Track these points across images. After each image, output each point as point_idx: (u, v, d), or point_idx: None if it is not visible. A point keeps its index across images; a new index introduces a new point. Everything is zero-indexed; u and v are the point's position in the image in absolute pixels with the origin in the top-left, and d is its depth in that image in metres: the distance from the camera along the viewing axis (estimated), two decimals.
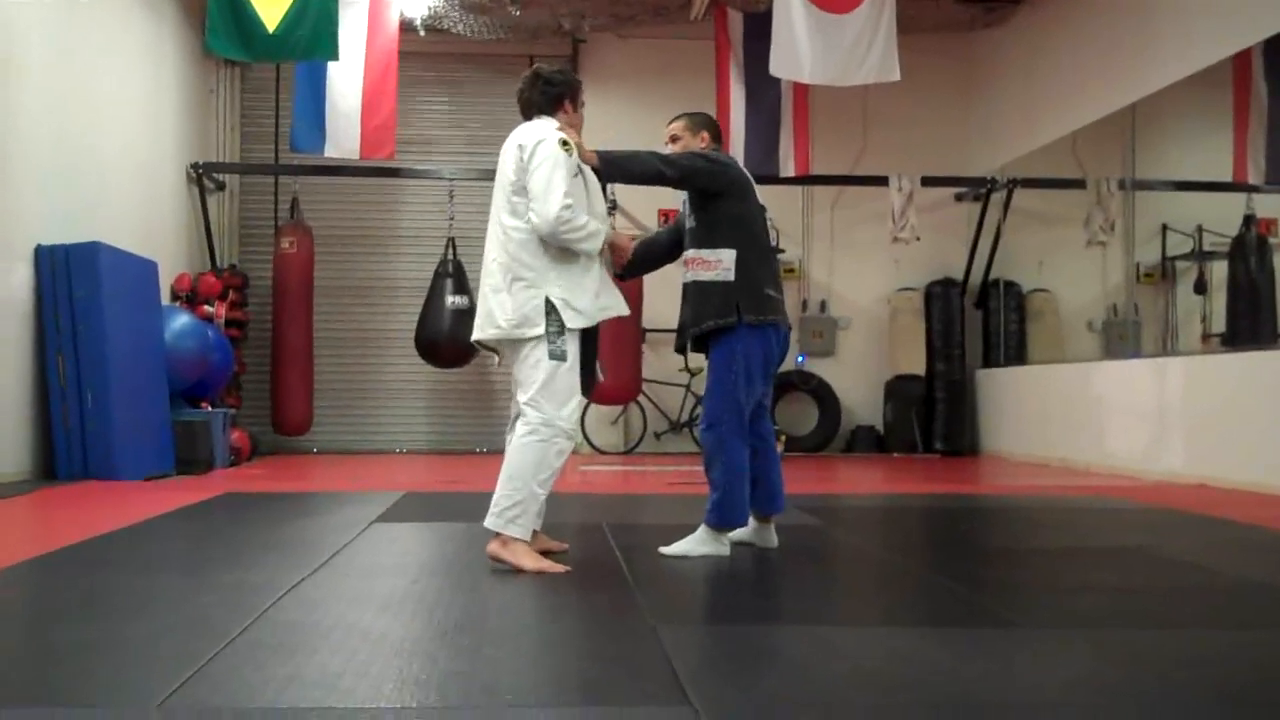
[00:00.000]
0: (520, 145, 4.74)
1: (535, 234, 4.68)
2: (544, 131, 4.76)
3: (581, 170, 4.81)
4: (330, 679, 2.98)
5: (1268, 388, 8.24)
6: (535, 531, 4.87)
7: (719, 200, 5.11)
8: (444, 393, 12.82)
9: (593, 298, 4.78)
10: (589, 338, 4.89)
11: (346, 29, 10.42)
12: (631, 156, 5.06)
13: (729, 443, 5.04)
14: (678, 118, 5.38)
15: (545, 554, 4.82)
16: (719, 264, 5.06)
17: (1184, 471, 8.98)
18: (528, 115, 4.95)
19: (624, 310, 4.94)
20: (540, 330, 4.66)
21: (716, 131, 5.38)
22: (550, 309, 4.67)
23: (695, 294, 5.14)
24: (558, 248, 4.70)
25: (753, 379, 5.09)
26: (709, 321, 5.08)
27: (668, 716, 2.73)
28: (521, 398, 4.74)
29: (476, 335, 4.87)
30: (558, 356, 4.68)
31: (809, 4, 9.86)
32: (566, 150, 4.70)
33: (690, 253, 5.16)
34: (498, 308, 4.74)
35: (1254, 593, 4.61)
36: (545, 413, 4.66)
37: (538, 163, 4.67)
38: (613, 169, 5.04)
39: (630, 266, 5.25)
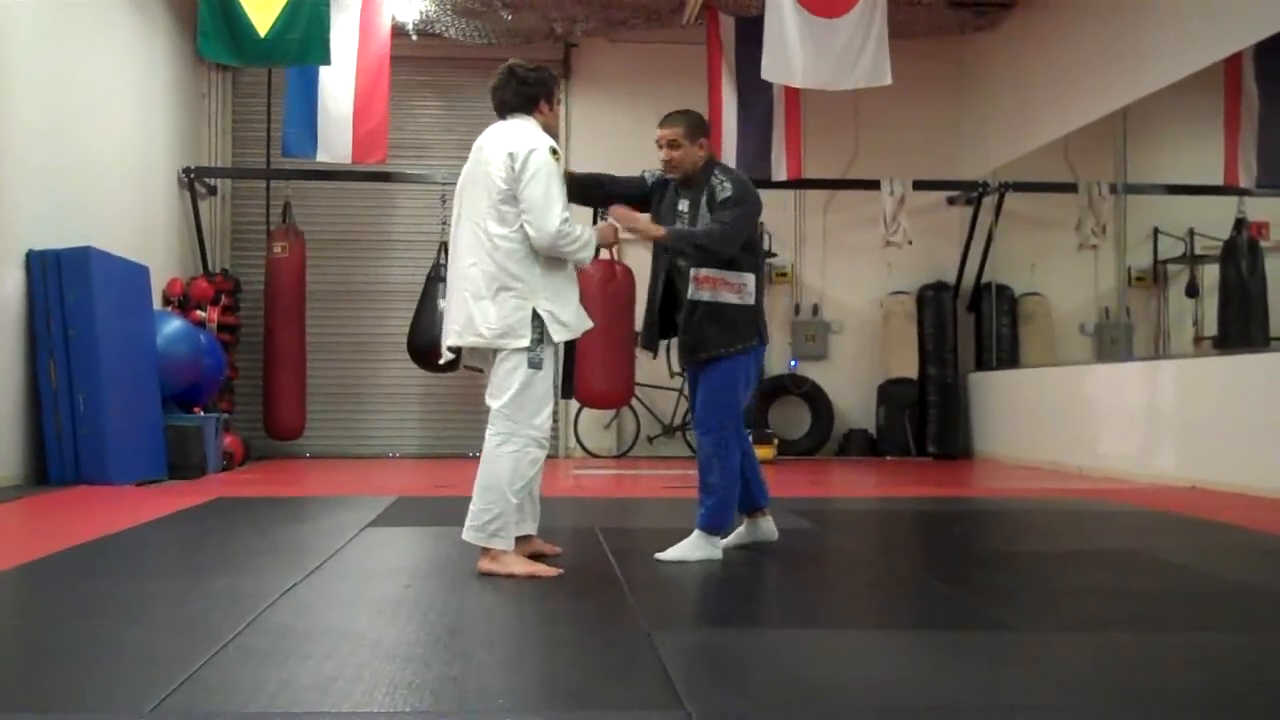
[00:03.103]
0: (511, 153, 4.65)
1: (524, 244, 4.63)
2: (533, 139, 4.70)
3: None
4: (323, 683, 2.97)
5: (1259, 390, 8.26)
6: (531, 536, 4.87)
7: None
8: (436, 397, 12.81)
9: (576, 311, 4.78)
10: (568, 347, 4.90)
11: (338, 33, 10.41)
12: (710, 236, 4.97)
13: (729, 448, 5.06)
14: (671, 121, 5.16)
15: (537, 557, 4.82)
16: (743, 288, 5.05)
17: (1176, 474, 9.00)
18: (502, 114, 4.88)
19: (591, 324, 4.91)
20: (524, 342, 4.63)
21: (708, 132, 5.25)
22: (536, 321, 4.65)
23: (707, 314, 5.04)
24: (545, 259, 4.67)
25: (749, 386, 5.16)
26: (736, 345, 5.02)
27: None
28: (494, 404, 4.71)
29: (453, 341, 4.78)
30: (535, 365, 4.66)
31: (801, 8, 9.87)
32: (557, 158, 4.69)
33: (712, 272, 5.02)
34: (479, 315, 4.66)
35: (1246, 595, 4.62)
36: (517, 421, 4.65)
37: (531, 173, 4.60)
38: (687, 245, 5.02)
39: (568, 185, 5.10)
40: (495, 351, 4.70)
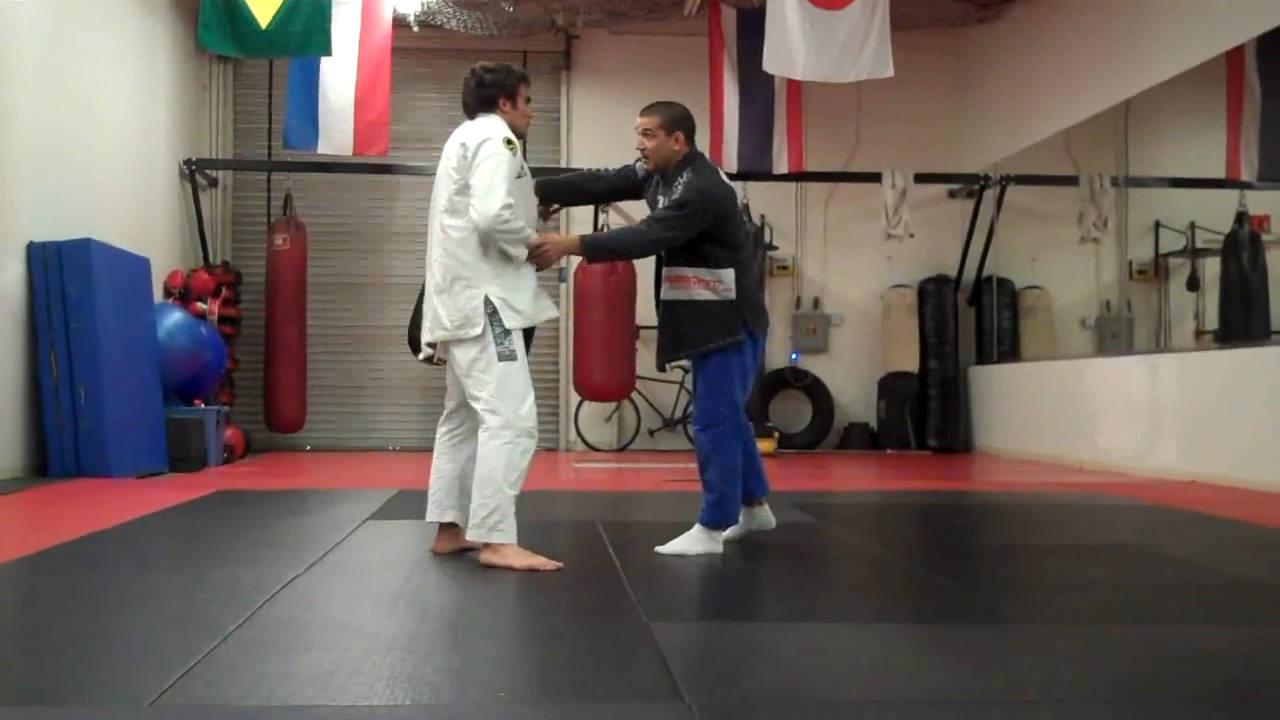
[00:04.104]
0: (464, 144, 4.72)
1: (475, 232, 4.67)
2: (489, 130, 4.74)
3: (524, 172, 4.81)
4: (323, 676, 2.97)
5: (1260, 384, 8.26)
6: (459, 528, 4.86)
7: (714, 224, 4.99)
8: (437, 390, 12.69)
9: (531, 299, 4.80)
10: (527, 340, 4.92)
11: (339, 24, 10.40)
12: (622, 238, 5.06)
13: (727, 442, 5.03)
14: (650, 110, 5.11)
15: (462, 551, 4.87)
16: (719, 284, 4.98)
17: (1176, 468, 9.00)
18: (469, 116, 4.91)
19: (555, 313, 5.03)
20: (479, 330, 4.66)
21: (692, 129, 5.11)
22: (490, 309, 4.67)
23: (692, 313, 5.00)
24: (498, 248, 4.70)
25: (746, 379, 5.12)
26: (717, 341, 4.97)
27: (661, 713, 2.73)
28: (477, 404, 4.72)
29: (427, 337, 4.87)
30: (507, 357, 4.68)
31: (803, 0, 9.85)
32: (511, 150, 4.70)
33: (686, 270, 4.98)
34: (441, 309, 4.74)
35: (1246, 589, 4.62)
36: (503, 415, 4.66)
37: (481, 160, 4.65)
38: (600, 252, 5.16)
39: (552, 190, 5.24)
40: (460, 344, 4.72)
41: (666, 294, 5.06)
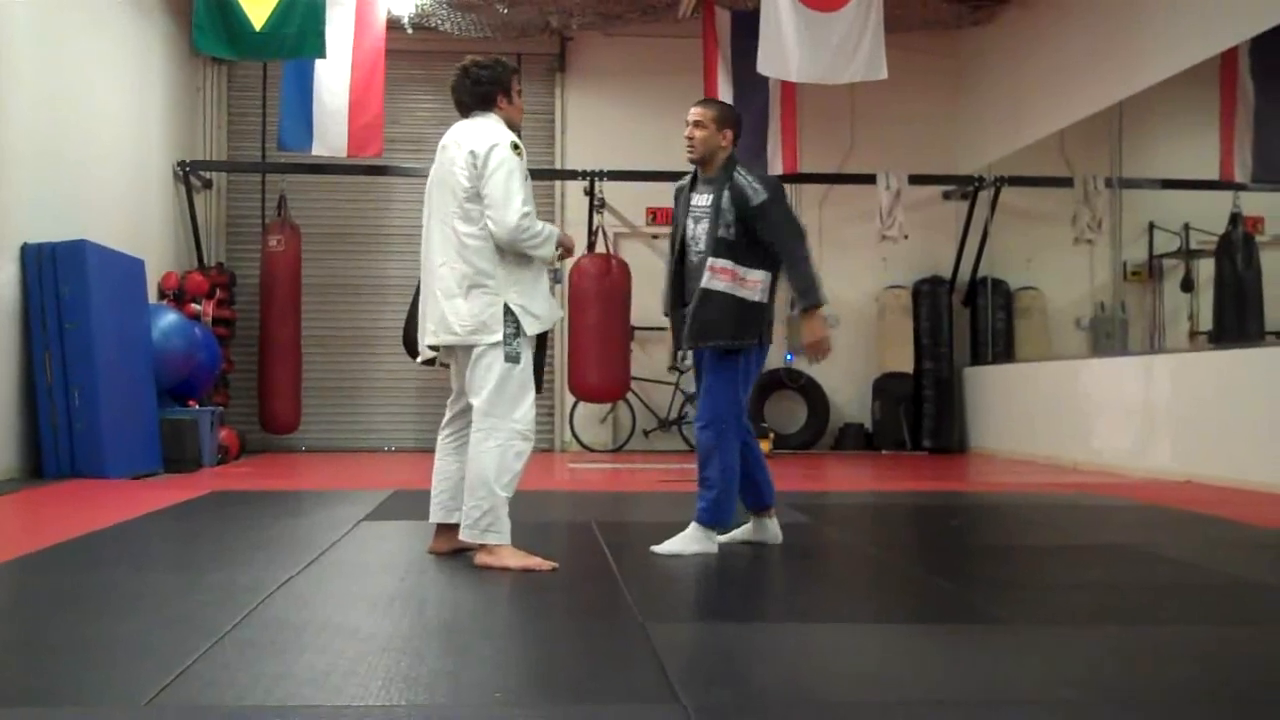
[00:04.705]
0: (472, 151, 4.68)
1: (491, 241, 4.66)
2: (495, 135, 4.72)
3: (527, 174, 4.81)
4: (319, 677, 2.97)
5: (1254, 385, 8.27)
6: (457, 527, 4.85)
7: None
8: (432, 391, 12.77)
9: (546, 302, 4.81)
10: (540, 341, 4.92)
11: (334, 27, 10.39)
12: (809, 270, 5.12)
13: (728, 441, 5.05)
14: (705, 103, 5.28)
15: (460, 550, 4.85)
16: (755, 284, 5.06)
17: (1170, 468, 9.01)
18: (464, 114, 4.89)
19: (562, 313, 5.11)
20: (497, 336, 4.66)
21: (739, 133, 5.24)
22: (509, 315, 4.67)
23: (720, 304, 5.04)
24: (514, 255, 4.69)
25: (750, 382, 5.15)
26: (744, 339, 5.04)
27: (657, 714, 2.73)
28: (475, 403, 4.73)
29: (430, 340, 4.85)
30: (512, 359, 4.68)
31: (797, 2, 9.85)
32: (518, 154, 4.70)
33: (724, 263, 5.04)
34: (452, 313, 4.72)
35: (1241, 589, 4.63)
36: (497, 416, 4.67)
37: (492, 169, 4.63)
38: (818, 293, 5.13)
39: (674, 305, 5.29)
40: (470, 349, 4.72)
41: (709, 283, 5.06)
